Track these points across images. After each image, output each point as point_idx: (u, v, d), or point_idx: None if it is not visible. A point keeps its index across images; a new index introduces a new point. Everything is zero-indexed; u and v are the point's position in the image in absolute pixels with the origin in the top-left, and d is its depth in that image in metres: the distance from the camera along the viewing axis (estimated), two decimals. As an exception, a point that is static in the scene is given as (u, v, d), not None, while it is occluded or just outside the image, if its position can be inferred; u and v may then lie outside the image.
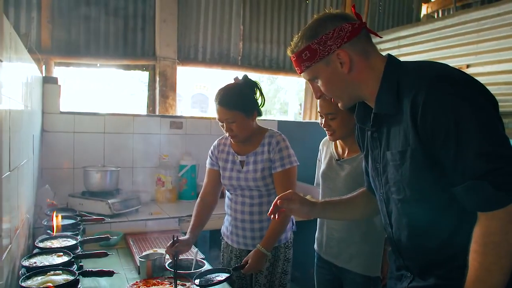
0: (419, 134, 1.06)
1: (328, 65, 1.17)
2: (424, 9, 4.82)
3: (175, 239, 1.84)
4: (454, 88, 1.03)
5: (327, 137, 1.92)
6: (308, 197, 3.13)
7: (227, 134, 2.00)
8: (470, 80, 1.07)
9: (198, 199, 2.13)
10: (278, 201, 1.36)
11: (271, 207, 1.36)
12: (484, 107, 1.02)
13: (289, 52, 1.27)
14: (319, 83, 1.22)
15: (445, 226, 1.14)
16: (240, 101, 1.92)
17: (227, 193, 2.15)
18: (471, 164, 0.98)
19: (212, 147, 2.17)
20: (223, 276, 1.66)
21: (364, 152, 1.40)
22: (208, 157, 2.16)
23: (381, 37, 1.36)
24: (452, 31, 3.22)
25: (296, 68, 1.26)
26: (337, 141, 1.98)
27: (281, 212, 1.37)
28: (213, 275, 1.69)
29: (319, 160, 2.11)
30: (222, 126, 1.97)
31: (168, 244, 1.83)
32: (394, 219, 1.25)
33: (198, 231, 2.04)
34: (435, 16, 4.59)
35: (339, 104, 1.27)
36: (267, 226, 1.98)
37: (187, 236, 1.94)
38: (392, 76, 1.15)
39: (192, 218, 2.06)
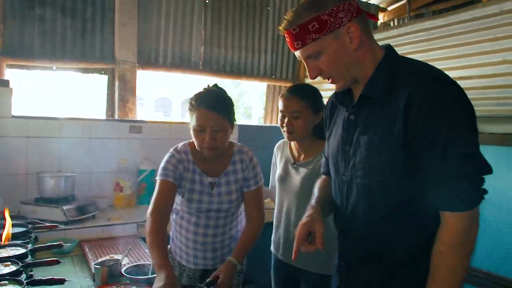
0: (408, 127, 1.07)
1: (337, 39, 1.12)
2: (381, 18, 4.99)
3: None
4: (452, 93, 1.06)
5: (285, 137, 1.93)
6: (267, 200, 3.18)
7: (203, 145, 1.73)
8: (462, 89, 1.10)
9: (153, 219, 1.67)
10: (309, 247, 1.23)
11: (295, 248, 1.21)
12: (473, 115, 1.07)
13: (284, 27, 1.16)
14: (321, 59, 1.15)
15: (397, 219, 1.16)
16: (230, 109, 1.78)
17: (185, 216, 1.89)
18: (455, 164, 1.02)
19: (174, 160, 1.81)
20: None
21: (329, 134, 1.39)
22: (167, 167, 1.79)
23: (378, 19, 1.36)
24: (406, 39, 3.34)
25: (295, 43, 1.15)
26: (293, 145, 2.02)
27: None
28: None
29: (273, 164, 2.14)
30: (200, 135, 1.72)
31: None
32: (352, 202, 1.25)
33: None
34: (391, 25, 4.76)
35: (336, 85, 1.22)
36: (228, 243, 1.91)
37: (171, 275, 1.46)
38: (390, 64, 1.15)
39: (160, 250, 1.58)
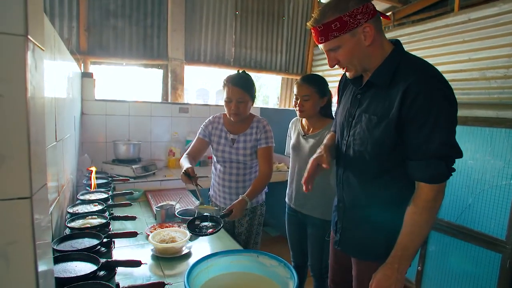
0: (402, 111, 1.00)
1: (354, 37, 1.03)
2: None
3: (187, 173, 1.65)
4: (443, 91, 0.99)
5: (298, 115, 1.88)
6: (281, 164, 3.16)
7: (230, 112, 1.79)
8: (451, 87, 1.01)
9: (185, 154, 1.88)
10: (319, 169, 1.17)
11: (306, 176, 1.16)
12: (456, 110, 1.01)
13: (312, 24, 1.06)
14: (339, 52, 1.07)
15: (380, 182, 1.14)
16: (251, 86, 1.79)
17: (218, 166, 1.96)
18: (436, 147, 0.98)
19: (207, 122, 1.96)
20: (216, 226, 1.50)
21: (339, 103, 1.33)
22: (202, 128, 1.95)
23: (390, 19, 1.26)
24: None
25: (320, 38, 1.06)
26: (303, 120, 1.97)
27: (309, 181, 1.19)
28: (206, 223, 1.53)
29: (288, 136, 2.11)
30: (229, 104, 1.78)
31: (185, 179, 1.67)
32: (348, 160, 1.21)
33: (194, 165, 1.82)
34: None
35: (348, 73, 1.14)
36: (248, 188, 1.89)
37: (190, 166, 1.70)
38: (395, 58, 1.06)
39: (187, 160, 1.80)
